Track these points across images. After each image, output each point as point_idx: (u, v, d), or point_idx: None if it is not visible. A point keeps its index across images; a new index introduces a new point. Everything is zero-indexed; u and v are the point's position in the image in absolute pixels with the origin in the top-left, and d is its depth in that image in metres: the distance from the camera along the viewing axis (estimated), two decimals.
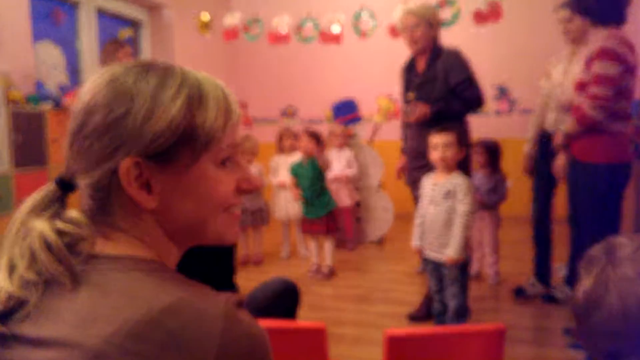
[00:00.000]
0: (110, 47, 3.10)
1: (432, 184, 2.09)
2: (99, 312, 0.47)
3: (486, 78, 4.72)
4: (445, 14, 3.52)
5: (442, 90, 2.31)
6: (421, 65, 2.43)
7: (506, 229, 4.10)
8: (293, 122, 5.44)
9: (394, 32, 3.82)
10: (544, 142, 2.55)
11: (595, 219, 1.98)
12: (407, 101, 2.44)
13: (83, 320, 0.47)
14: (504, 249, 3.10)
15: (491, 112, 4.83)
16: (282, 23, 3.95)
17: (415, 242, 2.18)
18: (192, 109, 0.53)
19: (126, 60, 2.36)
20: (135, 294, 0.48)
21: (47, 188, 0.55)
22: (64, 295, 0.49)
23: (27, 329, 0.49)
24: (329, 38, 3.95)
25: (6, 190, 2.65)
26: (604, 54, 1.88)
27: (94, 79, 0.55)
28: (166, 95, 0.52)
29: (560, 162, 2.23)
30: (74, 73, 3.78)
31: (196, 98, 0.54)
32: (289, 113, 5.58)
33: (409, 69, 2.52)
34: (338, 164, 3.64)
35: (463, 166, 2.23)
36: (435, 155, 2.04)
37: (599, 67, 1.90)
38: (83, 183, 0.54)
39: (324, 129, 3.92)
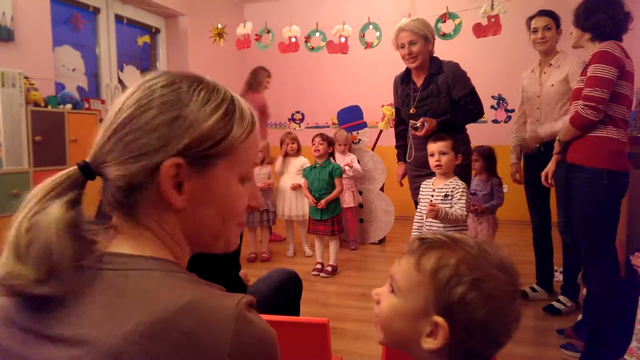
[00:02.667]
0: (261, 73, 4.16)
1: (431, 189, 2.21)
2: (117, 311, 0.47)
3: (485, 88, 4.90)
4: (447, 27, 3.65)
5: (446, 104, 2.40)
6: (419, 78, 2.48)
7: (504, 232, 4.21)
8: (300, 128, 5.62)
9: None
10: (527, 152, 2.62)
11: (594, 225, 1.97)
12: (409, 116, 2.50)
13: (101, 319, 0.47)
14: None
15: (489, 121, 4.98)
16: (292, 33, 4.09)
17: None
18: (233, 121, 0.58)
19: (268, 84, 3.55)
20: (153, 294, 0.49)
21: (69, 171, 0.54)
22: (80, 293, 0.49)
23: (48, 326, 0.49)
24: (336, 48, 4.09)
25: (25, 188, 2.72)
26: (599, 57, 1.89)
27: (149, 79, 0.57)
28: (210, 107, 0.56)
29: (547, 169, 2.25)
30: (92, 77, 3.95)
31: (237, 111, 0.59)
32: (296, 119, 5.75)
33: (406, 81, 2.56)
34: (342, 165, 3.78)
35: (465, 172, 2.35)
36: (432, 161, 2.16)
37: (593, 69, 1.90)
38: (115, 174, 0.54)
39: (330, 134, 4.07)
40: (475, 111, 2.42)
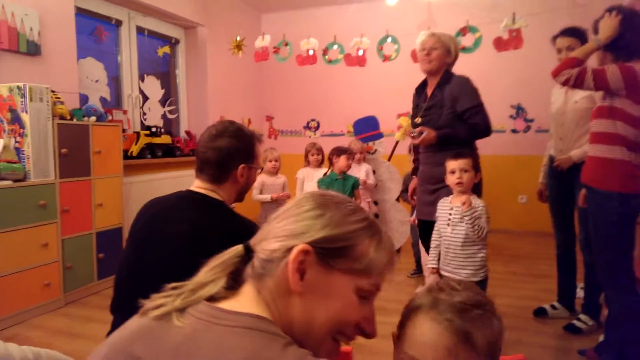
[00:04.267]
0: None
1: (449, 207, 2.19)
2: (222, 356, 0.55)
3: (504, 97, 4.85)
4: (467, 40, 3.63)
5: (449, 116, 2.33)
6: (430, 89, 2.47)
7: (526, 242, 4.17)
8: (315, 136, 5.65)
9: (415, 56, 3.95)
10: (551, 168, 2.59)
11: (607, 246, 1.96)
12: (415, 125, 2.48)
13: None
14: (519, 263, 3.14)
15: (507, 131, 4.95)
16: (310, 46, 4.12)
17: (431, 264, 2.24)
18: (368, 238, 0.66)
19: None
20: (224, 346, 0.56)
21: (236, 248, 0.70)
22: (190, 337, 0.58)
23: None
24: (353, 61, 4.09)
25: (51, 199, 2.82)
26: (621, 66, 1.86)
27: (317, 192, 0.73)
28: (353, 219, 0.67)
29: (583, 191, 2.22)
30: (114, 87, 4.04)
31: (377, 235, 0.68)
32: (311, 127, 5.78)
33: (419, 92, 2.56)
34: (357, 175, 3.80)
35: (476, 191, 2.30)
36: (452, 179, 2.14)
37: (607, 67, 1.88)
38: (262, 248, 0.66)
39: (345, 143, 4.09)
40: (480, 127, 2.32)
